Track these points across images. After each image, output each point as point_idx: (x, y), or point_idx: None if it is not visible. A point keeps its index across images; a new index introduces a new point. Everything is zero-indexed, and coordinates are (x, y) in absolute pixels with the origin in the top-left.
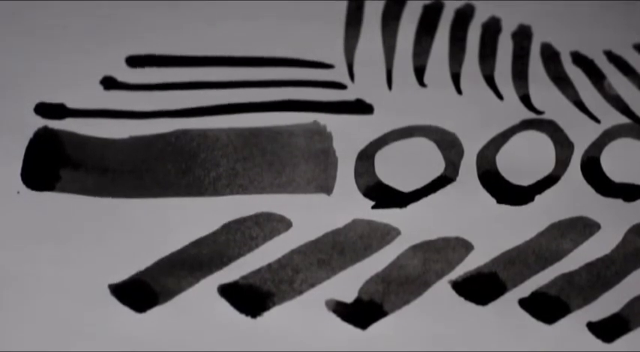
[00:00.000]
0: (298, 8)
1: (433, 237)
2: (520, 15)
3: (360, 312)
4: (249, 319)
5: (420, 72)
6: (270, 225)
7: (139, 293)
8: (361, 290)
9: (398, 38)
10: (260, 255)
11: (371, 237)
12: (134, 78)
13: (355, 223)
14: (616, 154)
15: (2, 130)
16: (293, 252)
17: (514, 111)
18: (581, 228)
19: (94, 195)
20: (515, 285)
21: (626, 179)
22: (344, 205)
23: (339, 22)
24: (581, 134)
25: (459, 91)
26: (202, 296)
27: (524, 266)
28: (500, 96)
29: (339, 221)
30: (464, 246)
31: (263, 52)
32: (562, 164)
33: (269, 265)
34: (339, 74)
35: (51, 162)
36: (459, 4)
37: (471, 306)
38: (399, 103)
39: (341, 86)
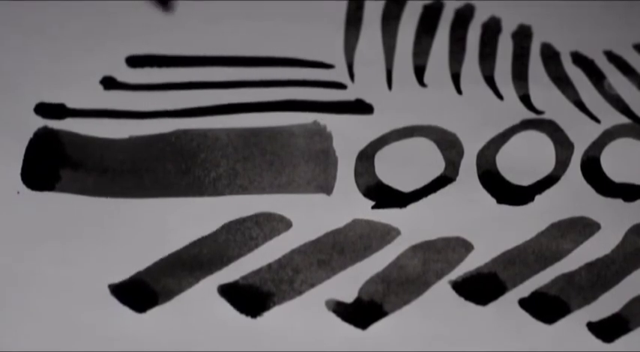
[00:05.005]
0: (298, 8)
1: (433, 237)
2: (520, 15)
3: (360, 312)
4: (249, 319)
5: (420, 72)
6: (270, 225)
7: (139, 293)
8: (361, 291)
9: (398, 38)
10: (260, 255)
11: (371, 237)
12: (134, 78)
13: (355, 223)
14: (616, 154)
15: (2, 130)
16: (293, 252)
17: (514, 111)
18: (581, 228)
19: (94, 195)
20: (515, 285)
21: (626, 179)
22: (344, 205)
23: (339, 22)
24: (581, 134)
25: (459, 91)
26: (202, 296)
27: (524, 266)
28: (500, 96)
29: (339, 221)
30: (464, 246)
31: (263, 52)
32: (562, 164)
33: (269, 265)
34: (339, 74)
35: (51, 162)
36: (458, 4)
37: (471, 306)
38: (399, 103)
39: (341, 86)
